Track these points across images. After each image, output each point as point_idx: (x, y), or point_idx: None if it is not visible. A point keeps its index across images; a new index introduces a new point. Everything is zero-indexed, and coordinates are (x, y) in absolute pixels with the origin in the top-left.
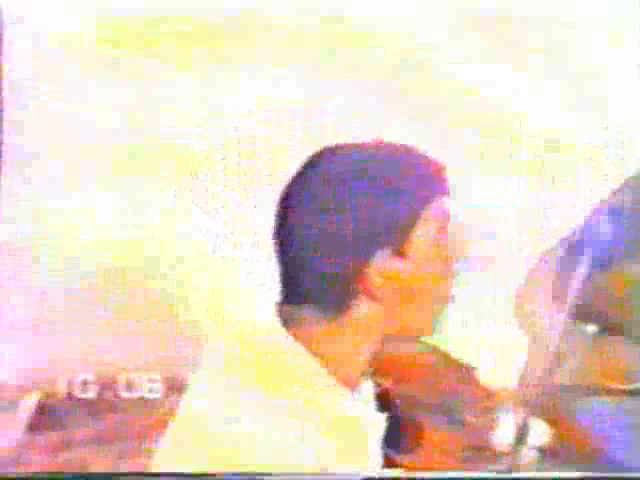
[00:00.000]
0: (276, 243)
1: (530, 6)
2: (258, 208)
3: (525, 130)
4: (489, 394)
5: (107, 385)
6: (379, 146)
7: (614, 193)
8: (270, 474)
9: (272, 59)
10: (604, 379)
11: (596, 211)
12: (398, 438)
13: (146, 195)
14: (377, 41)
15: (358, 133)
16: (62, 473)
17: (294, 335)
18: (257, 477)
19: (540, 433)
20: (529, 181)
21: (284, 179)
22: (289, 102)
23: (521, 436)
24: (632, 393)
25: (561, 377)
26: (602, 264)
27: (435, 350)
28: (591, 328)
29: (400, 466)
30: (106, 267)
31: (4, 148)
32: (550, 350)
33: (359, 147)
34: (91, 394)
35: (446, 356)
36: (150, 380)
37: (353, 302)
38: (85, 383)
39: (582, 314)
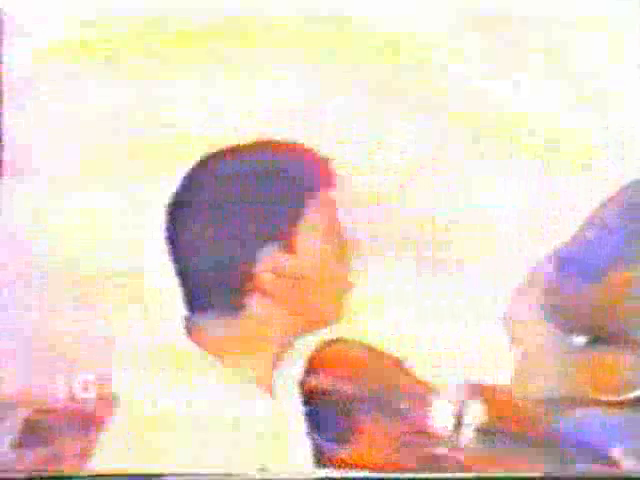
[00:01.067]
0: (171, 253)
1: (530, 6)
2: None
3: (525, 130)
4: (423, 385)
5: (107, 386)
6: (264, 145)
7: (603, 205)
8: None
9: (272, 59)
10: (594, 391)
11: (585, 223)
12: (332, 431)
13: (146, 195)
14: (377, 41)
15: (358, 133)
16: (62, 472)
17: (199, 343)
18: (257, 477)
19: (477, 413)
20: (529, 181)
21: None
22: (289, 102)
23: (458, 418)
24: (622, 404)
25: (550, 389)
26: (591, 276)
27: (366, 346)
28: (580, 340)
29: (336, 459)
30: (106, 267)
31: (3, 148)
32: (539, 364)
33: (244, 147)
34: (92, 394)
35: (377, 351)
36: None
37: (247, 302)
38: (85, 383)
39: (571, 326)
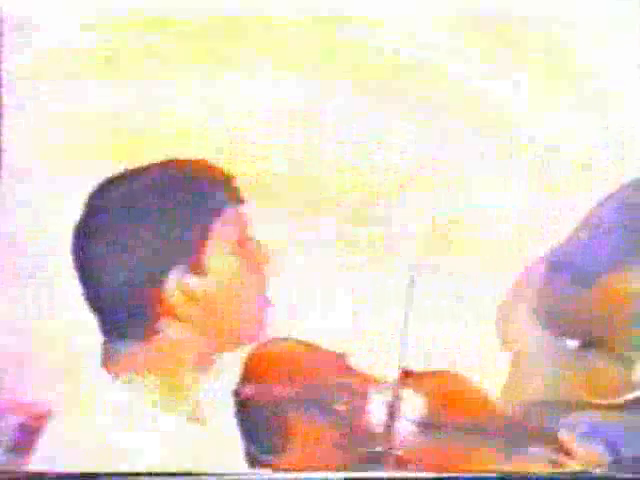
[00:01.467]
0: (80, 280)
1: (530, 6)
2: None
3: (525, 130)
4: (363, 379)
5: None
6: (167, 164)
7: (596, 208)
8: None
9: (272, 59)
10: (586, 394)
11: (579, 226)
12: (267, 440)
13: None
14: (377, 41)
15: (358, 133)
16: (61, 473)
17: (113, 370)
18: (251, 477)
19: (415, 405)
20: (529, 181)
21: (284, 179)
22: (289, 102)
23: (393, 411)
24: (614, 408)
25: (543, 393)
26: (584, 280)
27: (302, 344)
28: (573, 343)
29: (272, 467)
30: None
31: (3, 147)
32: (532, 367)
33: (147, 168)
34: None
35: (315, 348)
36: None
37: (158, 326)
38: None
39: (564, 330)
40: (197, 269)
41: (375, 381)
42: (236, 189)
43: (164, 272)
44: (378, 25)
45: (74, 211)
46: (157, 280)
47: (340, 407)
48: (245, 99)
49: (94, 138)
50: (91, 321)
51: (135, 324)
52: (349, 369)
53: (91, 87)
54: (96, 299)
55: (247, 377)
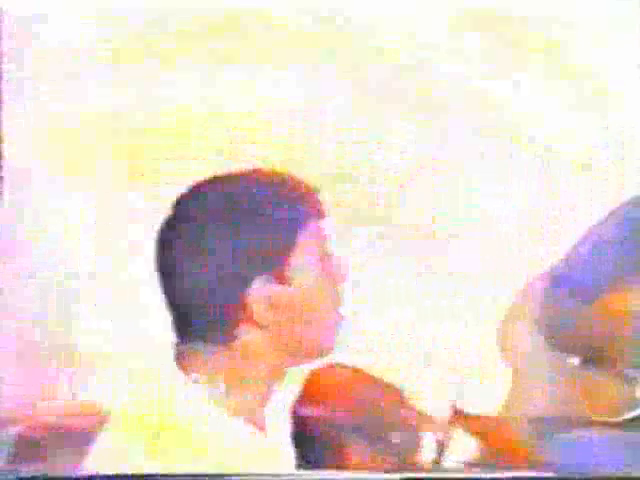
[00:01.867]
0: (161, 281)
1: (530, 6)
2: None
3: (525, 130)
4: (417, 414)
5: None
6: (251, 175)
7: (598, 224)
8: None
9: (272, 59)
10: (587, 411)
11: (580, 242)
12: (320, 461)
13: (146, 195)
14: (377, 41)
15: (358, 133)
16: (61, 476)
17: (188, 371)
18: (254, 478)
19: (466, 447)
20: (529, 181)
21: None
22: (289, 102)
23: (444, 451)
24: (616, 426)
25: (543, 409)
26: (585, 294)
27: (360, 372)
28: (574, 360)
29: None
30: (106, 269)
31: (3, 148)
32: (533, 383)
33: (231, 178)
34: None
35: (370, 378)
36: None
37: (237, 332)
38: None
39: (565, 345)
40: (281, 280)
41: (428, 418)
42: (318, 202)
43: (248, 279)
44: (378, 25)
45: (74, 211)
46: (240, 287)
47: (396, 440)
48: (245, 99)
49: (94, 138)
50: (91, 321)
51: (214, 328)
52: (403, 403)
53: (91, 87)
54: (175, 301)
55: (306, 397)
